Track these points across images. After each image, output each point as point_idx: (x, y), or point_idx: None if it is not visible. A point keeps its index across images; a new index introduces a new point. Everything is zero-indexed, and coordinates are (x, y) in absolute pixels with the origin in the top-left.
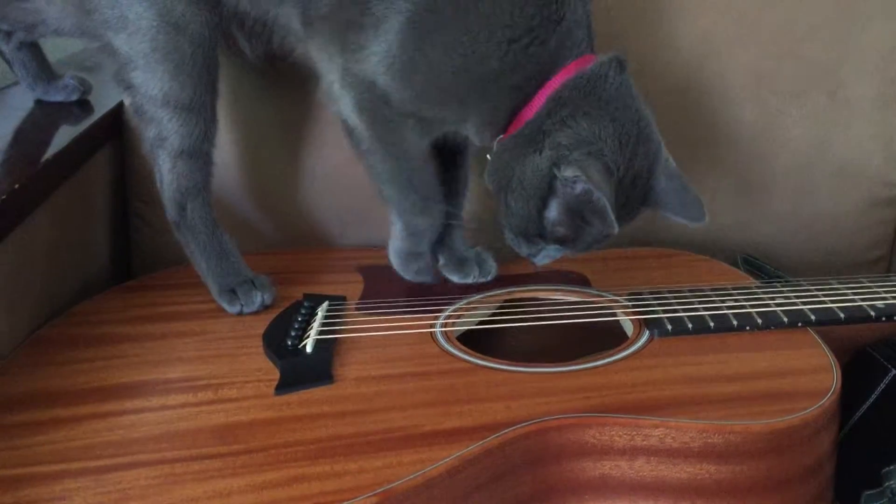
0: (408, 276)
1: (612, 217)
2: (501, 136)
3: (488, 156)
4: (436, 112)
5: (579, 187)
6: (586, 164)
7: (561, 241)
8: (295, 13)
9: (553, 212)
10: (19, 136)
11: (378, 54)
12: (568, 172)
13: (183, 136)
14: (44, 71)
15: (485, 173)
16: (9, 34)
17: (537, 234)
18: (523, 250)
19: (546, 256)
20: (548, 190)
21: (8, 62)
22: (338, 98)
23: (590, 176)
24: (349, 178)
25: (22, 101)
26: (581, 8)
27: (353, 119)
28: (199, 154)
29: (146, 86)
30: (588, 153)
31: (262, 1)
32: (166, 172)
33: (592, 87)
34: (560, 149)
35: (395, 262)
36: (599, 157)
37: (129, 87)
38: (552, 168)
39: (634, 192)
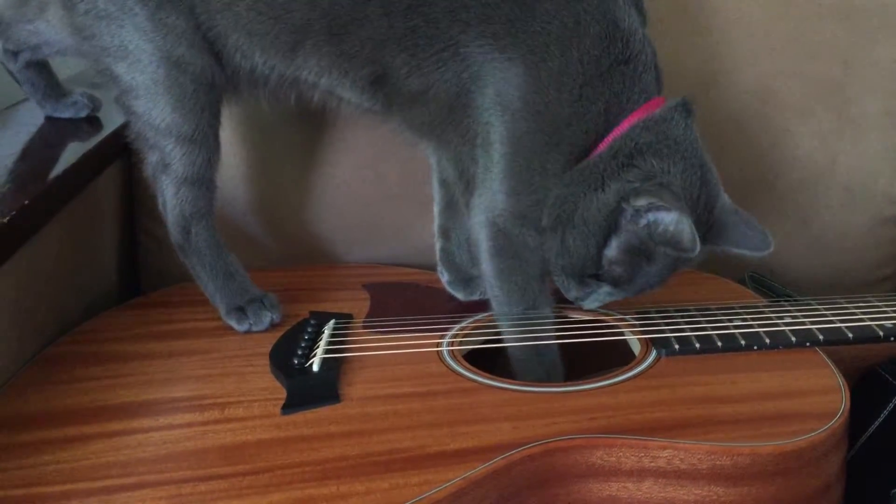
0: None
1: (695, 236)
2: None
3: None
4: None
5: (651, 217)
6: (659, 191)
7: (615, 283)
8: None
9: (613, 250)
10: (29, 152)
11: (493, 170)
12: (641, 201)
13: (186, 164)
14: (53, 88)
15: (544, 212)
16: (15, 53)
17: (592, 274)
18: (572, 293)
19: (595, 300)
20: (611, 227)
21: (17, 80)
22: (477, 220)
23: (664, 198)
24: (355, 196)
25: (32, 118)
26: (648, 49)
27: (489, 241)
28: (202, 181)
29: (148, 115)
30: (659, 184)
31: (302, 68)
32: (170, 198)
33: (659, 128)
34: (628, 184)
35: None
36: (669, 187)
37: (131, 112)
38: (620, 203)
39: (698, 223)
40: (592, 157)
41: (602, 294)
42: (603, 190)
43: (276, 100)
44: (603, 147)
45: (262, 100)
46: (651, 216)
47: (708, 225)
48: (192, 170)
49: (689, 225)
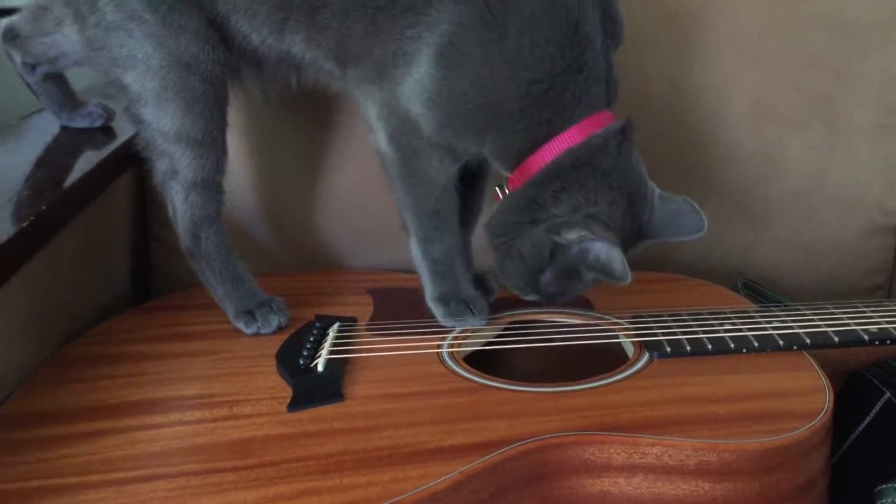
0: (452, 323)
1: (625, 265)
2: (510, 175)
3: (497, 190)
4: (457, 141)
5: (583, 247)
6: (587, 223)
7: (549, 297)
8: (329, 56)
9: (548, 277)
10: (45, 160)
11: (410, 85)
12: (572, 235)
13: (195, 168)
14: (69, 99)
15: (487, 228)
16: (34, 66)
17: (530, 293)
18: (514, 290)
19: (532, 296)
20: (546, 260)
21: (34, 92)
22: (375, 129)
23: (593, 231)
24: (360, 204)
25: (47, 128)
26: (603, 61)
27: (386, 149)
28: (211, 185)
29: (157, 122)
30: (586, 216)
31: (291, 44)
32: (179, 204)
33: (590, 158)
34: (557, 218)
35: (437, 313)
36: (596, 218)
37: (139, 122)
38: (552, 238)
39: (626, 242)
40: (526, 184)
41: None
42: (535, 225)
43: (279, 84)
44: (542, 164)
45: (267, 86)
46: (585, 245)
47: (640, 229)
48: (202, 174)
49: (619, 255)
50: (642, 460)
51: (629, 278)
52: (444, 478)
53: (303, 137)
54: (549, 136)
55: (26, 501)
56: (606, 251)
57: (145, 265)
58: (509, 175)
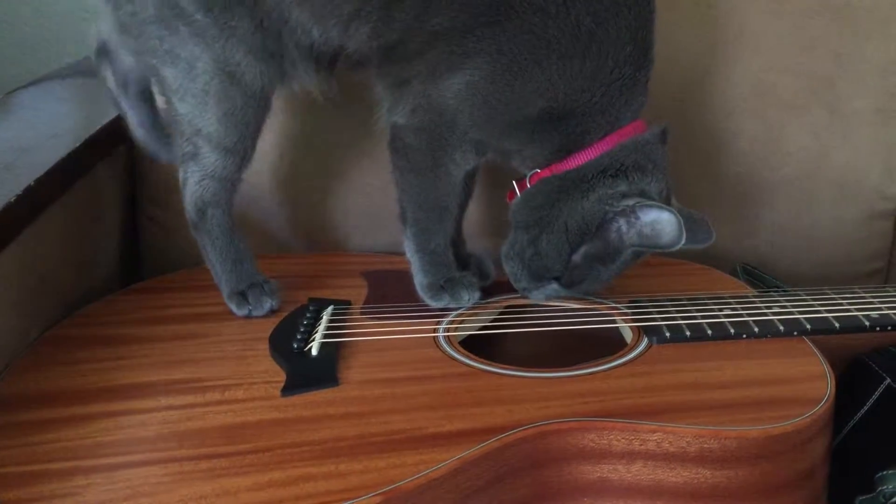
0: (448, 303)
1: (682, 228)
2: (539, 170)
3: (515, 185)
4: (501, 141)
5: (633, 219)
6: (643, 194)
7: (568, 284)
8: (383, 51)
9: (579, 256)
10: (32, 136)
11: (462, 83)
12: (628, 200)
13: (218, 167)
14: (158, 127)
15: (512, 207)
16: (125, 85)
17: (554, 276)
18: (521, 284)
19: (543, 294)
20: (588, 235)
21: (126, 120)
22: (402, 121)
23: (649, 198)
24: (354, 185)
25: (34, 102)
26: (644, 75)
27: (413, 140)
28: (229, 179)
29: (191, 118)
30: (641, 190)
31: (352, 37)
32: (193, 184)
33: (645, 150)
34: (614, 190)
35: (431, 301)
36: (649, 194)
37: (173, 107)
38: (603, 206)
39: None
40: (581, 166)
41: (550, 290)
42: (588, 198)
43: (326, 78)
44: (595, 154)
45: (313, 83)
46: (626, 220)
47: None
48: (223, 172)
49: (676, 219)
50: (642, 447)
51: (682, 240)
52: (441, 464)
53: (295, 118)
54: (599, 137)
55: (14, 487)
56: (656, 217)
57: (136, 245)
58: (538, 171)
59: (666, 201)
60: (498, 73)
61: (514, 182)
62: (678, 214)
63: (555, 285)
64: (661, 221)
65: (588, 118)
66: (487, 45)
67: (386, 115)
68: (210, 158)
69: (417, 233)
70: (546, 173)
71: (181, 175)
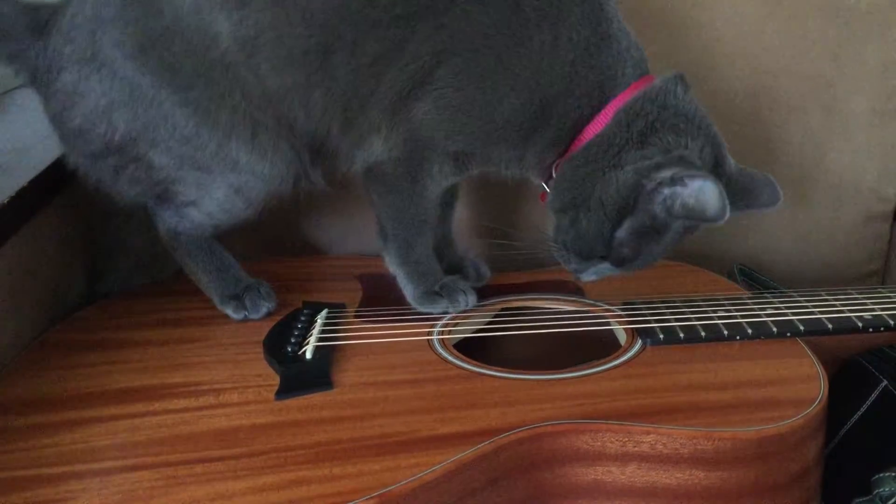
0: (445, 308)
1: (724, 196)
2: (559, 160)
3: (544, 185)
4: (492, 150)
5: (670, 190)
6: (680, 163)
7: (618, 263)
8: (342, 106)
9: (624, 232)
10: (27, 138)
11: (428, 104)
12: (665, 173)
13: (210, 229)
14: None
15: (548, 197)
16: None
17: (600, 254)
18: (571, 265)
19: (594, 274)
20: (629, 208)
21: None
22: (379, 155)
23: (689, 169)
24: (350, 185)
25: (31, 103)
26: (632, 32)
27: (389, 168)
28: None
29: (195, 205)
30: (679, 157)
31: (315, 108)
32: (168, 216)
33: (666, 101)
34: (647, 160)
35: (426, 308)
36: (688, 159)
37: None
38: (640, 180)
39: None
40: (601, 133)
41: (602, 269)
42: (622, 168)
43: (329, 168)
44: (607, 119)
45: (322, 174)
46: (670, 190)
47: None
48: (206, 226)
49: (718, 187)
50: (636, 449)
51: (727, 213)
52: (436, 467)
53: None
54: (603, 101)
55: (9, 491)
56: (699, 186)
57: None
58: (565, 156)
59: (713, 159)
60: (459, 77)
61: (541, 183)
62: (712, 181)
63: (606, 264)
64: (705, 191)
65: (572, 95)
66: (433, 46)
67: (359, 164)
68: (206, 223)
69: (399, 246)
70: (566, 158)
71: (148, 204)
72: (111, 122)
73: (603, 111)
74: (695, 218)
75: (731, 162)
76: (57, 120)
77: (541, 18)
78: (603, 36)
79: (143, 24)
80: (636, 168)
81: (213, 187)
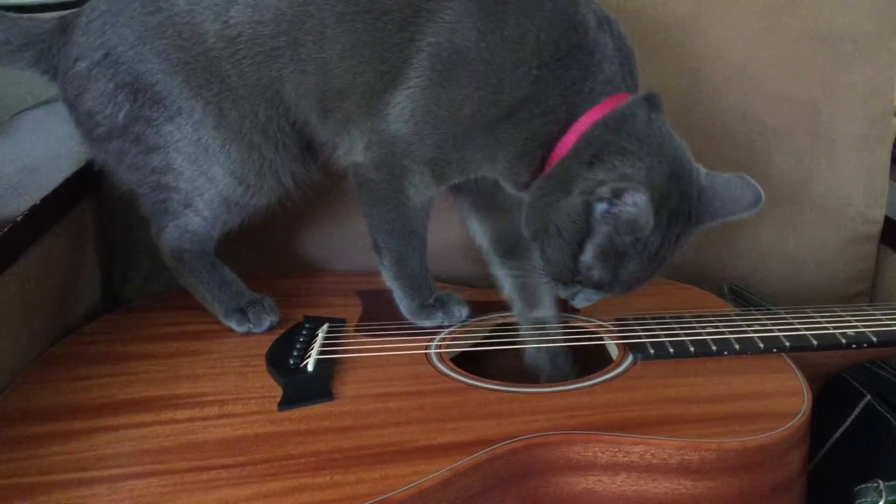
0: (441, 321)
1: (650, 211)
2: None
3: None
4: (464, 152)
5: (614, 208)
6: (621, 178)
7: (596, 286)
8: (316, 101)
9: (587, 255)
10: (38, 156)
11: (401, 104)
12: (604, 189)
13: (203, 228)
14: None
15: (522, 222)
16: None
17: (573, 279)
18: (562, 293)
19: (584, 300)
20: (584, 232)
21: None
22: (361, 161)
23: (625, 181)
24: (351, 205)
25: (38, 125)
26: (611, 43)
27: (372, 174)
28: (215, 235)
29: (191, 207)
30: (621, 174)
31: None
32: (171, 231)
33: (621, 126)
34: (592, 184)
35: (422, 322)
36: (632, 177)
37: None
38: (586, 204)
39: (674, 228)
40: (558, 163)
41: (589, 294)
42: (570, 194)
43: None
44: (569, 144)
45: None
46: (614, 208)
47: (690, 211)
48: (210, 232)
49: (645, 197)
50: (626, 459)
51: (651, 222)
52: (432, 475)
53: None
54: (571, 120)
55: (20, 497)
56: (634, 203)
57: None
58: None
59: (665, 177)
60: (426, 76)
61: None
62: (645, 193)
63: (590, 290)
64: (632, 207)
65: (538, 105)
66: (399, 38)
67: (342, 157)
68: (194, 222)
69: (392, 261)
70: (535, 182)
71: (153, 228)
72: (116, 103)
73: (567, 134)
74: (632, 231)
75: (701, 172)
76: (72, 104)
77: (506, 13)
78: (573, 46)
79: (143, 18)
80: (581, 189)
81: (199, 181)
